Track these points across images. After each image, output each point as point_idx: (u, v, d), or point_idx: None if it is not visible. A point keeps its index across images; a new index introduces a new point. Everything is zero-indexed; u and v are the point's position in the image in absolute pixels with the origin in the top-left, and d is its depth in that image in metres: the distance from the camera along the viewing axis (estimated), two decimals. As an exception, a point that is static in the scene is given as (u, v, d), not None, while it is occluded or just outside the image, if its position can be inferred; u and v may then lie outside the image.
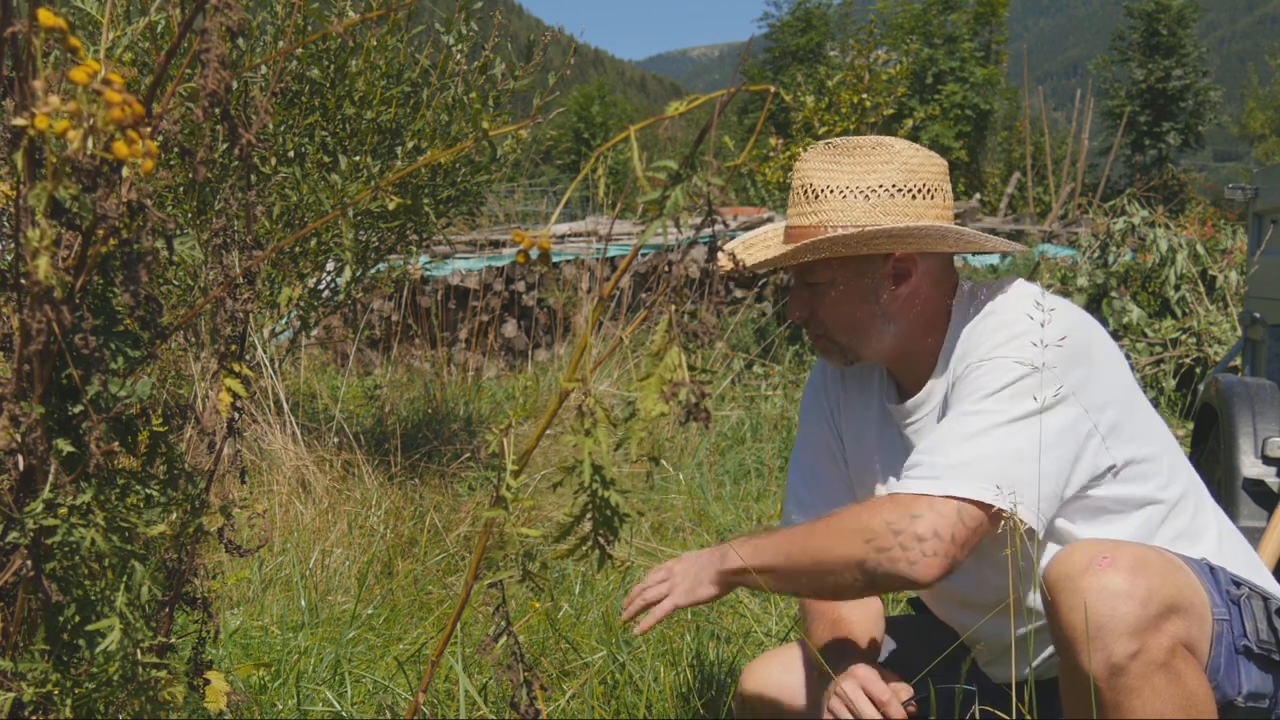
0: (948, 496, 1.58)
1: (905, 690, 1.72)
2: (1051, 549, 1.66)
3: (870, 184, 1.75)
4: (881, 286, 1.78)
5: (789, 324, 8.12)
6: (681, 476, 4.74)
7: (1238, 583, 1.67)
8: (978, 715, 1.84)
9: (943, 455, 1.62)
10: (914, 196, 1.76)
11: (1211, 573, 1.65)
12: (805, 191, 1.79)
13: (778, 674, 1.96)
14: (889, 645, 2.02)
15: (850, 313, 1.78)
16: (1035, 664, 1.78)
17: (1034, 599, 1.73)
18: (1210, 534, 1.76)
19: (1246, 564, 1.75)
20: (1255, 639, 1.60)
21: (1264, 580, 1.73)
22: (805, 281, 1.79)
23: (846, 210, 1.75)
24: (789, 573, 1.67)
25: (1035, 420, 1.61)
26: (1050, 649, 1.74)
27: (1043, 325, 1.66)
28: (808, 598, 1.85)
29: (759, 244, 1.89)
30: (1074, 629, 1.47)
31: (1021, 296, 1.76)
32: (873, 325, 1.79)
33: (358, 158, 3.94)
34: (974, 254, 2.10)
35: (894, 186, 1.75)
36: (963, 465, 1.59)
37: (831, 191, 1.76)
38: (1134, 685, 1.45)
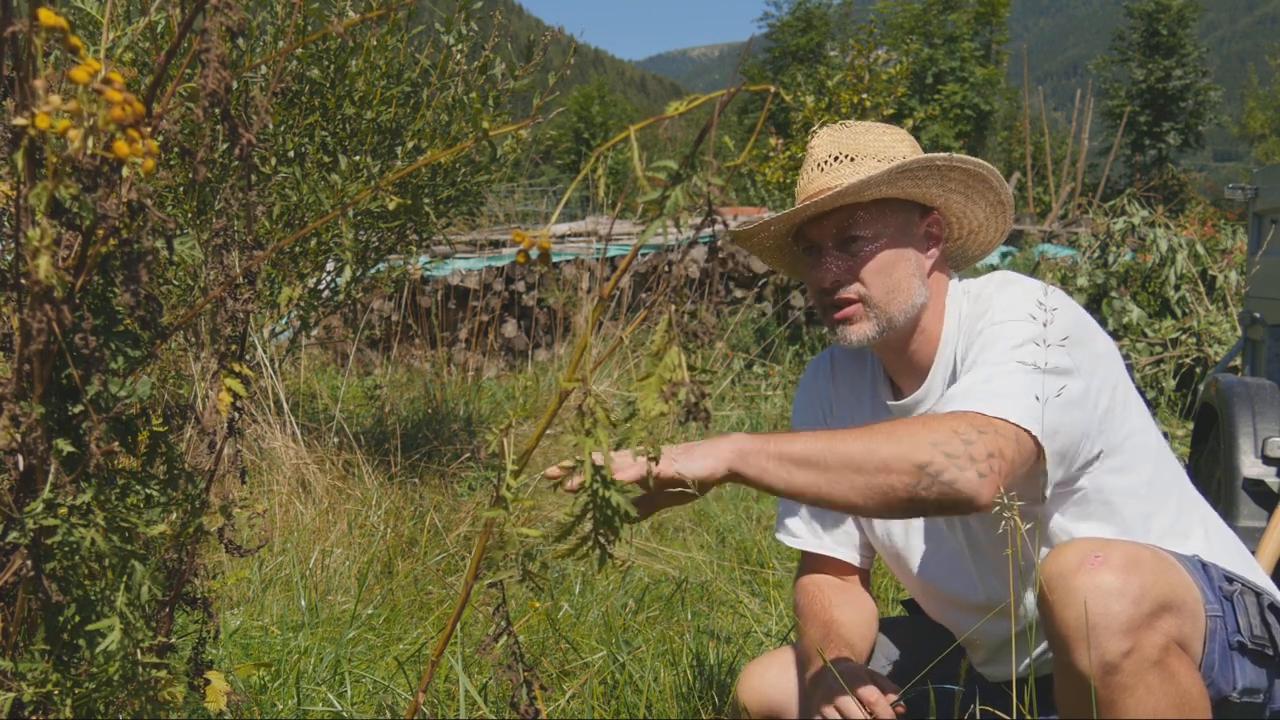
0: (1006, 420, 1.55)
1: (892, 691, 1.72)
2: (1042, 549, 1.67)
3: (898, 153, 1.82)
4: (919, 247, 1.82)
5: (789, 324, 8.12)
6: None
7: (1230, 579, 1.67)
8: (977, 715, 1.84)
9: (994, 385, 1.59)
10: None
11: (1204, 569, 1.65)
12: (836, 157, 1.81)
13: (773, 678, 1.96)
14: (888, 648, 2.02)
15: (893, 269, 1.78)
16: (1030, 661, 1.78)
17: (1028, 598, 1.73)
18: (1198, 530, 1.76)
19: (1237, 559, 1.75)
20: (1249, 635, 1.60)
21: (1255, 575, 1.74)
22: (845, 238, 1.78)
23: (884, 168, 1.79)
24: (832, 465, 1.51)
25: (1065, 377, 1.63)
26: (1044, 646, 1.74)
27: (1045, 325, 1.67)
28: (830, 499, 1.57)
29: (755, 234, 1.89)
30: (1067, 628, 1.47)
31: (1016, 281, 1.80)
32: (911, 287, 1.80)
33: (358, 158, 3.94)
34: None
35: (911, 150, 1.85)
36: (1017, 396, 1.57)
37: (866, 156, 1.80)
38: (1128, 684, 1.45)
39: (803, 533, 2.01)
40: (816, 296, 1.84)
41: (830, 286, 1.79)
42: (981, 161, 1.80)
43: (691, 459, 1.47)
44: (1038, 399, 1.58)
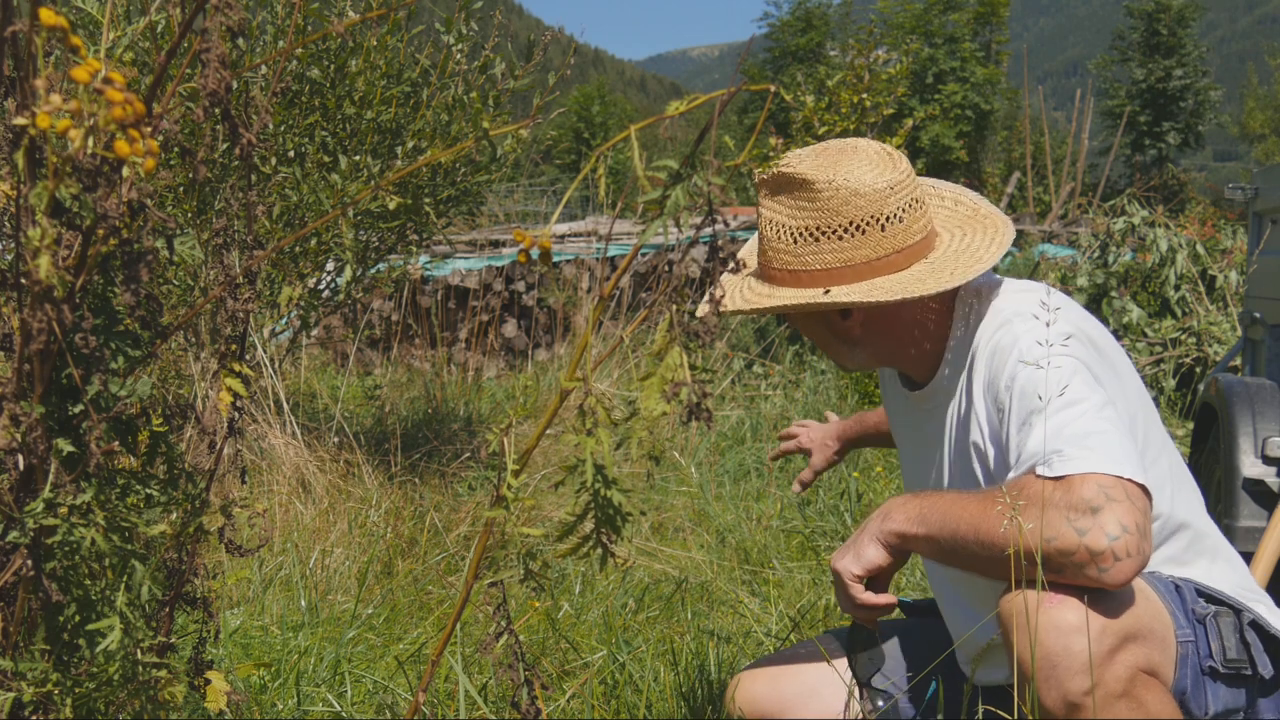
0: (1113, 476, 1.44)
1: (887, 597, 1.69)
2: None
3: (798, 225, 1.71)
4: (830, 318, 1.79)
5: (789, 323, 8.12)
6: (694, 469, 4.76)
7: (1209, 598, 1.63)
8: (980, 715, 1.84)
9: (1072, 439, 1.49)
10: (840, 237, 1.68)
11: (1177, 591, 1.62)
12: (763, 225, 1.77)
13: (763, 687, 1.96)
14: (895, 648, 2.02)
15: (816, 337, 1.85)
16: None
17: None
18: (1201, 562, 1.71)
19: (1229, 588, 1.69)
20: (1221, 659, 1.57)
21: (1243, 598, 1.68)
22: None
23: (783, 253, 1.72)
24: (951, 548, 1.56)
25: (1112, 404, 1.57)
26: None
27: (1048, 325, 1.63)
28: (971, 570, 1.63)
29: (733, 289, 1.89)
30: (1027, 667, 1.45)
31: (1029, 301, 1.72)
32: (837, 350, 1.84)
33: (358, 157, 3.94)
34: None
35: (817, 229, 1.69)
36: (1103, 440, 1.47)
37: (777, 229, 1.73)
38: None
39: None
40: None
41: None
42: (820, 301, 1.69)
43: (866, 554, 1.65)
44: (1119, 435, 1.50)
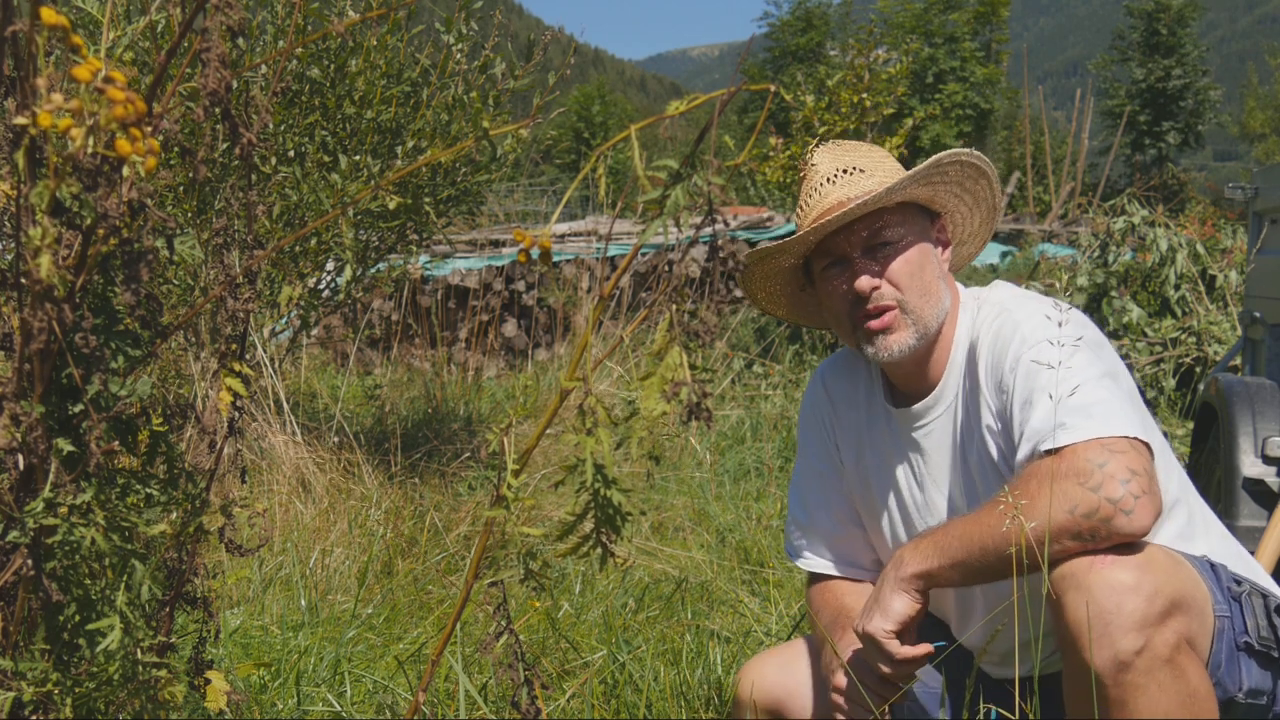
0: (1116, 436, 1.54)
1: (924, 647, 1.69)
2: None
3: (894, 165, 1.86)
4: (937, 249, 1.84)
5: (789, 323, 8.11)
6: (694, 469, 4.76)
7: (1238, 580, 1.67)
8: (981, 714, 1.85)
9: (1075, 410, 1.57)
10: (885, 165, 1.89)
11: (1212, 569, 1.65)
12: (846, 170, 1.82)
13: (774, 673, 1.96)
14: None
15: (923, 271, 1.79)
16: (1036, 662, 1.78)
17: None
18: (1201, 540, 1.75)
19: (1240, 564, 1.75)
20: (1256, 635, 1.60)
21: (1261, 579, 1.74)
22: (874, 244, 1.77)
23: (897, 176, 1.81)
24: (985, 564, 1.58)
25: (1121, 378, 1.66)
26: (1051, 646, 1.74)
27: (1060, 325, 1.68)
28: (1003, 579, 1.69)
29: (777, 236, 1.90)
30: (1079, 624, 1.46)
31: (1027, 294, 1.81)
32: (939, 289, 1.81)
33: (358, 157, 3.94)
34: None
35: (866, 166, 1.86)
36: (1106, 408, 1.56)
37: (873, 168, 1.82)
38: (1139, 682, 1.44)
39: (815, 557, 2.02)
40: (848, 309, 1.80)
41: (868, 291, 1.76)
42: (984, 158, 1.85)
43: (893, 607, 1.63)
44: (1121, 401, 1.58)
